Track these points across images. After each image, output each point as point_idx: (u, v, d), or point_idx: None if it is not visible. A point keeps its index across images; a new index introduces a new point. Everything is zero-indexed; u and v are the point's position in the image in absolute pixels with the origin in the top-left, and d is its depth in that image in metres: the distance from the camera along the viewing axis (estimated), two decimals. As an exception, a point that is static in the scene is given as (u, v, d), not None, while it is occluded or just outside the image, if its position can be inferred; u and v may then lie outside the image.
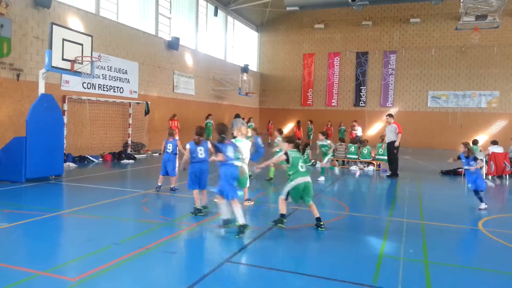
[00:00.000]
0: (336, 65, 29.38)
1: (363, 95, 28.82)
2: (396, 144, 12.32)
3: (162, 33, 20.22)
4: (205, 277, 4.33)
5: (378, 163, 14.28)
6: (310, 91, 30.14)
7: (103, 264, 4.60)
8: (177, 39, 20.26)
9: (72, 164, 12.90)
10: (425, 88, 27.43)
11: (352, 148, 14.80)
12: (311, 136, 24.55)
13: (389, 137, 12.61)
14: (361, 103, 28.70)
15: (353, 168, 14.50)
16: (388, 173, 12.87)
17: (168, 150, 9.10)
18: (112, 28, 16.59)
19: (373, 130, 27.78)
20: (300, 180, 6.26)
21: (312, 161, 15.18)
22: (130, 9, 18.15)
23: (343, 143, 15.10)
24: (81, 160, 13.96)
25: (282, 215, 6.40)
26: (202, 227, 6.40)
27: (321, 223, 6.37)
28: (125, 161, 14.74)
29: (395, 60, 27.95)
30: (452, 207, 8.95)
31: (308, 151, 15.27)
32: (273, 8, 27.49)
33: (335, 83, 29.47)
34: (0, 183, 9.27)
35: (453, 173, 13.56)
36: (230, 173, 6.03)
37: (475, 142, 14.21)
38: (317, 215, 6.41)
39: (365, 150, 14.56)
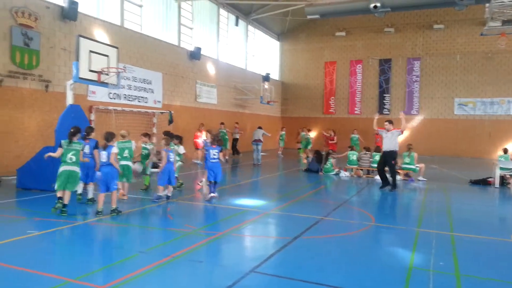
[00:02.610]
0: (359, 73, 29.14)
1: (387, 102, 28.43)
2: (403, 127, 11.54)
3: (185, 43, 20.53)
4: (230, 287, 4.30)
5: (404, 172, 13.98)
6: (332, 99, 29.95)
7: (130, 272, 4.64)
8: (199, 49, 20.54)
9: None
10: (451, 95, 26.85)
11: (377, 157, 14.50)
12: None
13: (388, 146, 11.64)
14: (385, 111, 28.28)
15: (379, 177, 14.16)
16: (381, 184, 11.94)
17: (170, 159, 8.83)
18: (137, 39, 16.96)
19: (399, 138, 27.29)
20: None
21: (336, 170, 15.02)
22: (153, 20, 18.52)
23: (368, 152, 14.84)
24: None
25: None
26: (228, 236, 6.39)
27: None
28: (153, 169, 14.90)
29: (419, 67, 27.51)
30: (483, 218, 8.66)
31: (331, 160, 15.18)
32: (294, 16, 27.56)
33: (358, 91, 29.20)
34: (30, 191, 9.54)
35: (483, 182, 13.13)
36: (106, 172, 7.50)
37: (505, 151, 13.76)
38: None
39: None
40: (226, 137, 19.30)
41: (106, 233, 6.66)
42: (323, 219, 7.75)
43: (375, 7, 17.64)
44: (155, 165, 14.24)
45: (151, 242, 6.06)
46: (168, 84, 18.87)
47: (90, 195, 8.48)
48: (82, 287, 4.23)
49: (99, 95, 14.70)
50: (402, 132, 11.58)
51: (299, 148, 22.35)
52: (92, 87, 14.08)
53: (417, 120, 27.69)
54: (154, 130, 17.22)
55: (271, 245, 6.14)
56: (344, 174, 14.76)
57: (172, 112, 17.72)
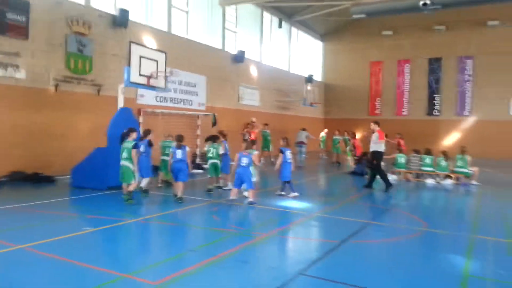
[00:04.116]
0: (407, 73, 28.20)
1: (437, 103, 27.29)
2: (382, 149, 11.37)
3: (228, 47, 20.79)
4: (279, 289, 4.27)
5: (456, 176, 13.33)
6: (378, 100, 29.18)
7: (180, 269, 4.73)
8: (242, 52, 20.73)
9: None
10: (506, 95, 25.34)
11: (427, 160, 13.91)
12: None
13: (371, 146, 11.61)
14: (435, 112, 27.17)
15: (429, 181, 13.58)
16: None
17: (242, 164, 8.81)
18: (183, 44, 17.38)
19: (450, 140, 26.17)
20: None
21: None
22: (199, 25, 18.91)
23: (417, 154, 14.24)
24: (154, 170, 14.59)
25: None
26: (274, 237, 6.36)
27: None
28: (194, 171, 15.22)
29: (472, 66, 26.20)
30: (546, 225, 8.07)
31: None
32: (339, 16, 27.13)
33: (406, 91, 28.25)
34: (83, 190, 9.99)
35: (544, 187, 12.27)
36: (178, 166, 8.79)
37: None
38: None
39: (443, 162, 13.58)
40: (269, 138, 19.19)
41: (157, 231, 6.84)
42: (371, 223, 7.54)
43: (425, 4, 17.04)
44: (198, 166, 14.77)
45: (199, 241, 6.16)
46: (212, 87, 19.18)
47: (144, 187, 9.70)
48: (134, 282, 4.37)
49: (147, 98, 15.20)
50: (380, 138, 11.41)
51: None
52: (140, 91, 14.57)
53: (469, 121, 26.40)
54: (198, 132, 17.57)
55: (318, 248, 6.05)
56: (392, 177, 14.25)
57: (216, 114, 17.98)
